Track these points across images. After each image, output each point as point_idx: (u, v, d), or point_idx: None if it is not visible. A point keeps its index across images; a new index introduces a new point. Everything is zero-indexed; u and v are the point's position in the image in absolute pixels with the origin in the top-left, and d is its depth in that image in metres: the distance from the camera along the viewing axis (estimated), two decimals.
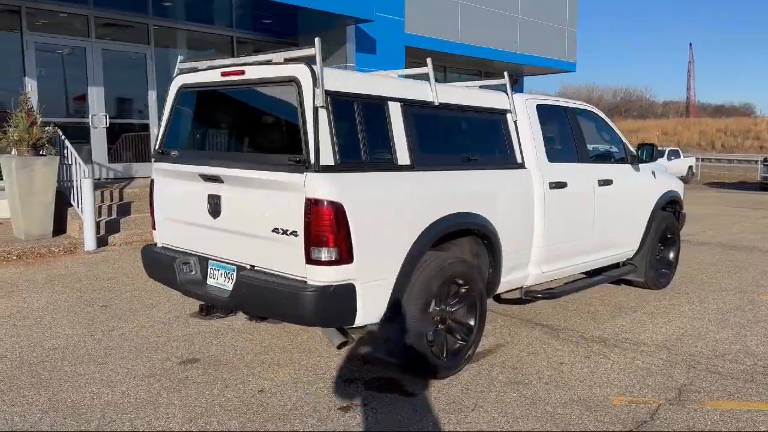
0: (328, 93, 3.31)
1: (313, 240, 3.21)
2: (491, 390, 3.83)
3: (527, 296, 4.84)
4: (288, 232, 3.34)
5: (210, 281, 3.88)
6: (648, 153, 5.73)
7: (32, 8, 10.79)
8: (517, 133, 4.59)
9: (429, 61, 4.00)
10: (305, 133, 3.25)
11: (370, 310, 3.47)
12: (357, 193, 3.32)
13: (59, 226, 8.95)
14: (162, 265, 4.08)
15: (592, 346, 4.64)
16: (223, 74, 3.79)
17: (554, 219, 4.76)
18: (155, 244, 4.36)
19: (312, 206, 3.20)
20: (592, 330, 5.03)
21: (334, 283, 3.27)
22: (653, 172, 6.09)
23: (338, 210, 3.21)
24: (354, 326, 3.53)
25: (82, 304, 5.67)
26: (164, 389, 3.77)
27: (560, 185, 4.80)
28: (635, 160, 5.75)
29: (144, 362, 4.20)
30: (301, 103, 3.28)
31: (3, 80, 10.72)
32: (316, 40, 3.33)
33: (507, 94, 4.57)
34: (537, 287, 4.96)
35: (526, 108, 4.71)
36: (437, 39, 16.44)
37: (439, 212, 3.77)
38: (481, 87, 4.88)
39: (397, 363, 3.87)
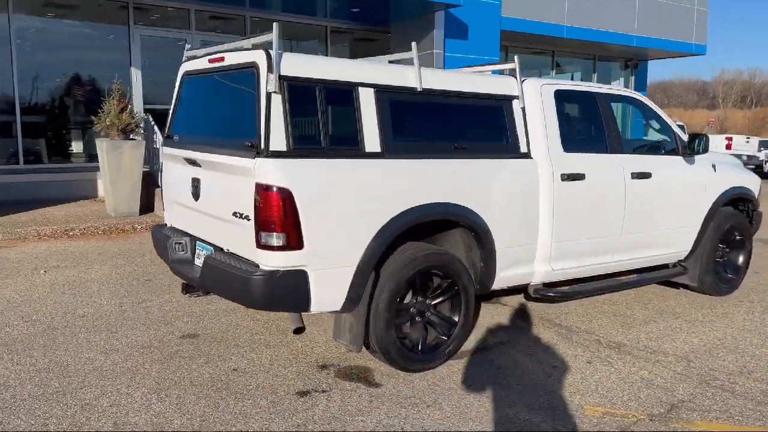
0: (285, 78, 3.31)
1: (262, 225, 3.25)
2: (461, 389, 3.67)
3: (536, 294, 4.56)
4: (243, 216, 3.40)
5: (196, 261, 4.05)
6: (700, 144, 5.15)
7: (139, 3, 11.68)
8: (525, 121, 4.32)
9: (414, 45, 3.87)
10: (258, 119, 3.28)
11: (326, 298, 3.45)
12: (309, 179, 3.31)
13: (148, 206, 9.70)
14: (162, 244, 4.31)
15: (601, 352, 4.30)
16: (210, 61, 3.91)
17: (567, 213, 4.44)
18: (165, 225, 4.61)
19: (261, 191, 3.23)
20: (614, 335, 4.65)
21: (282, 269, 3.29)
22: (713, 166, 5.47)
23: (286, 196, 3.22)
24: (312, 312, 3.53)
25: (130, 277, 6.11)
26: (151, 360, 4.00)
27: (576, 177, 4.46)
28: (687, 152, 5.19)
29: (148, 334, 4.47)
30: (257, 88, 3.31)
31: (112, 70, 11.72)
32: (275, 24, 3.34)
33: (516, 80, 4.31)
34: (555, 285, 4.65)
35: (540, 94, 4.42)
36: (540, 22, 15.75)
37: (412, 201, 3.65)
38: (497, 72, 4.65)
39: (358, 352, 3.81)
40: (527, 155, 4.29)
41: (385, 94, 3.67)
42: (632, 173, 4.82)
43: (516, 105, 4.29)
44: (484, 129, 4.19)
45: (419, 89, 3.80)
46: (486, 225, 4.01)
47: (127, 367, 3.89)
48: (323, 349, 4.22)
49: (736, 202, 5.91)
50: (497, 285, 4.27)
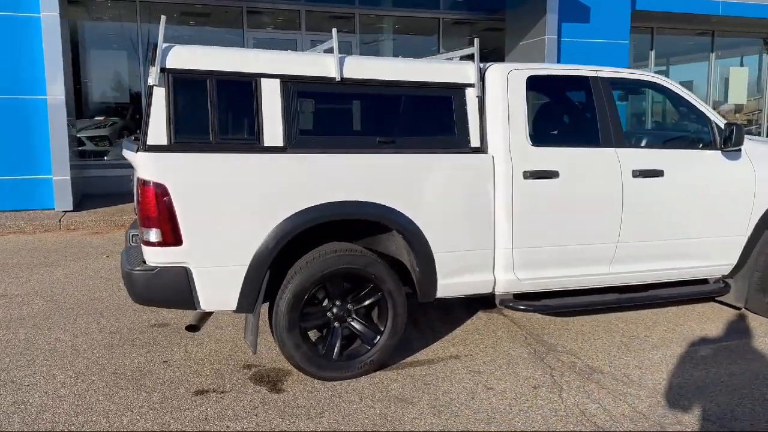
0: (170, 71, 3.28)
1: (142, 220, 3.26)
2: (360, 401, 3.40)
3: (501, 306, 4.07)
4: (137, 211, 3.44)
5: None
6: (731, 136, 4.22)
7: (252, 7, 12.38)
8: (481, 111, 3.86)
9: (334, 31, 3.63)
10: (143, 113, 3.29)
11: (216, 297, 3.38)
12: (189, 174, 3.25)
13: None
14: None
15: (564, 377, 3.73)
16: None
17: (532, 216, 3.90)
18: None
19: (140, 186, 3.24)
20: (599, 359, 4.01)
21: (161, 265, 3.28)
22: None
23: (161, 191, 3.20)
24: (203, 311, 3.48)
25: None
26: (105, 346, 4.22)
27: (544, 175, 3.90)
28: (724, 145, 4.29)
29: (123, 320, 4.72)
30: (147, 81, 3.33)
31: None
32: (162, 17, 3.33)
33: (474, 65, 3.87)
34: (540, 297, 4.11)
35: (505, 81, 3.92)
36: None
37: (317, 199, 3.44)
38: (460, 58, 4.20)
39: (253, 354, 3.65)
40: (479, 150, 3.83)
41: (294, 85, 3.49)
42: (634, 171, 4.09)
43: (470, 94, 3.84)
44: (421, 121, 3.80)
45: (338, 79, 3.55)
46: (416, 227, 3.65)
47: (80, 349, 4.14)
48: (264, 348, 4.15)
49: None
50: (444, 293, 3.87)
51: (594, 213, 4.03)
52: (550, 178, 3.91)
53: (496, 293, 4.05)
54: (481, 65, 4.01)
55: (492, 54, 13.71)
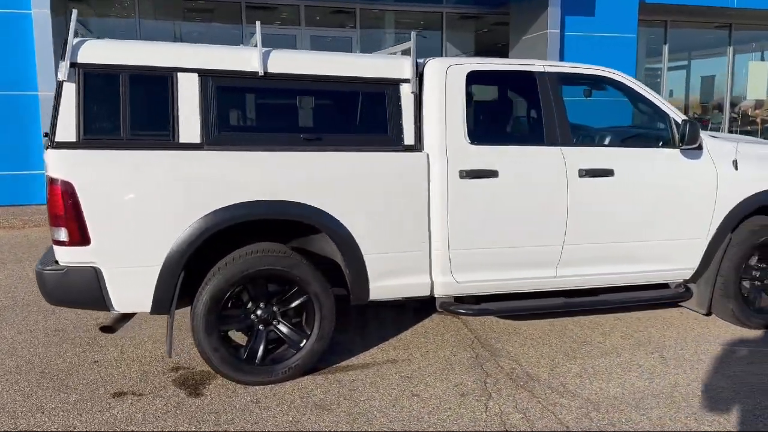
0: (80, 66, 3.21)
1: (50, 218, 3.20)
2: (276, 408, 3.30)
3: (441, 309, 3.93)
4: None
5: None
6: (684, 133, 4.00)
7: (250, 2, 12.33)
8: (418, 108, 3.72)
9: (258, 24, 3.52)
10: (53, 108, 3.23)
11: (128, 298, 3.31)
12: (96, 172, 3.17)
13: None
14: None
15: (497, 385, 3.58)
16: None
17: (469, 217, 3.74)
18: None
19: (48, 184, 3.18)
20: (541, 365, 3.85)
21: (70, 265, 3.22)
22: (734, 162, 4.23)
23: (68, 189, 3.13)
24: (118, 312, 3.40)
25: None
26: (44, 344, 4.18)
27: (482, 174, 3.74)
28: (683, 143, 4.07)
29: (72, 318, 4.68)
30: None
31: None
32: (73, 11, 3.26)
33: (410, 60, 3.72)
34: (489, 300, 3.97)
35: (443, 77, 3.77)
36: None
37: (233, 198, 3.34)
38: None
39: (168, 357, 3.56)
40: (413, 148, 3.69)
41: (213, 79, 3.38)
42: (581, 170, 3.91)
43: (405, 90, 3.70)
44: (351, 118, 3.68)
45: (262, 73, 3.44)
46: (344, 227, 3.53)
47: (16, 347, 4.11)
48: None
49: None
50: (379, 295, 3.75)
51: (537, 214, 3.86)
52: (489, 177, 3.75)
53: (435, 296, 3.91)
54: (422, 60, 3.86)
55: (498, 49, 13.46)
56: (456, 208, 3.71)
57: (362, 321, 4.61)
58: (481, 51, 14.58)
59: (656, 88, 15.50)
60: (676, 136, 4.12)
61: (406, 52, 3.84)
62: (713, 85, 16.47)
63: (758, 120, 17.38)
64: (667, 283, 4.42)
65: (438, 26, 13.66)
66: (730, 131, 16.43)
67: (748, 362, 3.89)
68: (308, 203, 3.45)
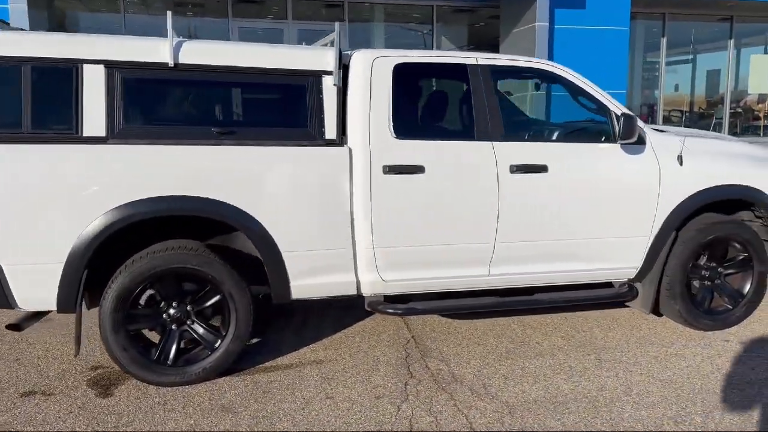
0: None
1: None
2: (181, 410, 3.21)
3: (369, 308, 3.82)
4: None
5: None
6: (619, 128, 3.85)
7: None
8: (340, 102, 3.60)
9: (169, 14, 3.42)
10: None
11: (32, 296, 3.24)
12: None
13: None
14: None
15: (417, 386, 3.47)
16: None
17: (394, 214, 3.63)
18: None
19: None
20: (471, 367, 3.73)
21: None
22: (679, 157, 4.07)
23: None
24: (23, 310, 3.33)
25: None
26: None
27: (408, 170, 3.62)
28: (620, 137, 3.90)
29: (12, 314, 4.61)
30: None
31: None
32: None
33: (334, 52, 3.60)
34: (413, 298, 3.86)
35: (368, 69, 3.65)
36: None
37: (139, 194, 3.24)
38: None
39: (75, 355, 3.47)
40: (335, 142, 3.57)
41: (121, 71, 3.29)
42: (512, 166, 3.77)
43: (328, 82, 3.58)
44: (268, 111, 3.58)
45: (172, 64, 3.34)
46: (259, 224, 3.43)
47: None
48: None
49: (742, 205, 4.40)
50: (302, 294, 3.65)
51: (466, 211, 3.73)
52: (415, 173, 3.63)
53: (363, 295, 3.80)
54: (349, 51, 3.75)
55: (492, 43, 13.27)
56: (380, 204, 3.59)
57: (302, 320, 4.52)
58: (474, 45, 14.39)
59: (654, 82, 15.26)
60: (616, 130, 3.97)
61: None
62: (718, 80, 16.14)
63: (761, 114, 17.03)
64: (611, 283, 4.27)
65: (429, 20, 13.50)
66: (733, 127, 16.14)
67: (686, 365, 3.75)
68: (219, 199, 3.35)
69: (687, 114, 16.46)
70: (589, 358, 3.86)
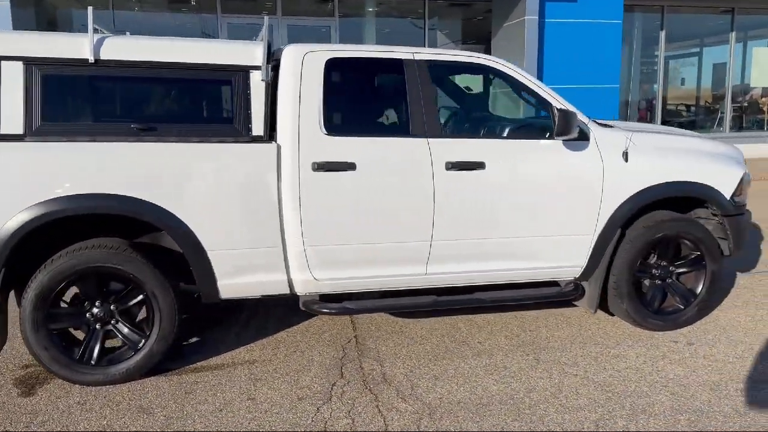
0: None
1: None
2: (97, 411, 3.18)
3: (304, 308, 3.76)
4: None
5: None
6: (555, 125, 3.75)
7: None
8: (269, 97, 3.54)
9: (90, 10, 3.38)
10: None
11: None
12: None
13: None
14: None
15: (344, 387, 3.42)
16: None
17: (325, 212, 3.56)
18: None
19: None
20: (404, 367, 3.67)
21: None
22: (625, 153, 3.97)
23: None
24: None
25: None
26: None
27: (339, 167, 3.55)
28: (558, 133, 3.78)
29: None
30: None
31: None
32: None
33: (262, 46, 3.54)
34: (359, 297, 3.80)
35: (298, 64, 3.59)
36: None
37: (53, 192, 3.20)
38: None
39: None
40: (261, 139, 3.51)
41: (39, 67, 3.25)
42: (447, 163, 3.69)
43: (255, 78, 3.52)
44: (194, 107, 3.53)
45: (92, 60, 3.30)
46: (181, 222, 3.38)
47: None
48: None
49: (694, 202, 4.29)
50: (231, 294, 3.61)
51: (400, 209, 3.66)
52: (346, 170, 3.56)
53: (297, 295, 3.75)
54: (281, 47, 3.69)
55: (485, 38, 13.14)
56: (309, 202, 3.53)
57: (245, 318, 4.47)
58: (468, 39, 14.26)
59: (653, 76, 15.02)
60: (556, 127, 3.86)
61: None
62: (721, 74, 15.84)
63: (765, 108, 16.73)
64: (557, 281, 4.18)
65: (420, 14, 13.39)
66: (736, 121, 15.87)
67: (625, 366, 3.66)
68: (138, 197, 3.30)
69: (693, 108, 16.22)
70: (528, 358, 3.78)
